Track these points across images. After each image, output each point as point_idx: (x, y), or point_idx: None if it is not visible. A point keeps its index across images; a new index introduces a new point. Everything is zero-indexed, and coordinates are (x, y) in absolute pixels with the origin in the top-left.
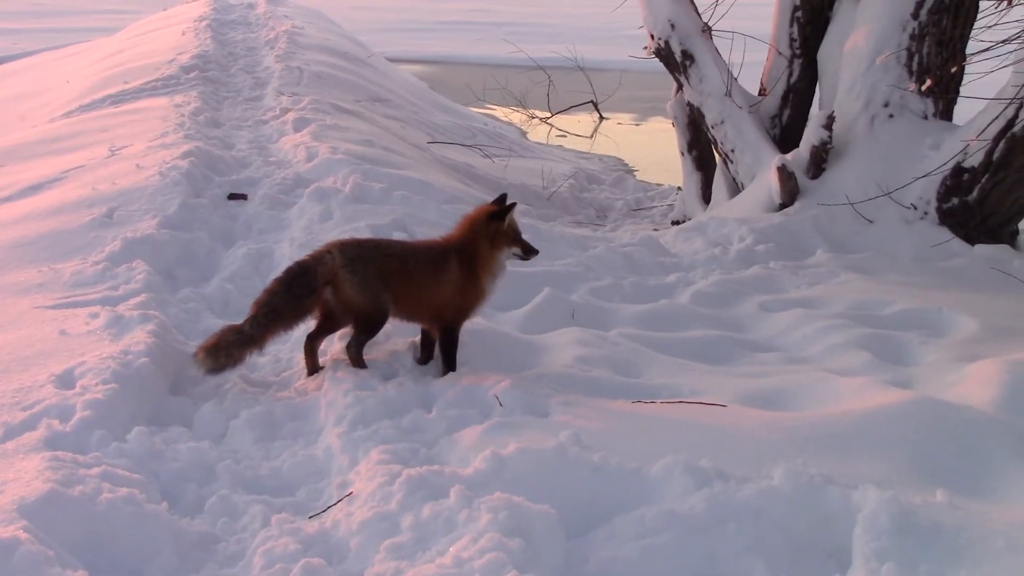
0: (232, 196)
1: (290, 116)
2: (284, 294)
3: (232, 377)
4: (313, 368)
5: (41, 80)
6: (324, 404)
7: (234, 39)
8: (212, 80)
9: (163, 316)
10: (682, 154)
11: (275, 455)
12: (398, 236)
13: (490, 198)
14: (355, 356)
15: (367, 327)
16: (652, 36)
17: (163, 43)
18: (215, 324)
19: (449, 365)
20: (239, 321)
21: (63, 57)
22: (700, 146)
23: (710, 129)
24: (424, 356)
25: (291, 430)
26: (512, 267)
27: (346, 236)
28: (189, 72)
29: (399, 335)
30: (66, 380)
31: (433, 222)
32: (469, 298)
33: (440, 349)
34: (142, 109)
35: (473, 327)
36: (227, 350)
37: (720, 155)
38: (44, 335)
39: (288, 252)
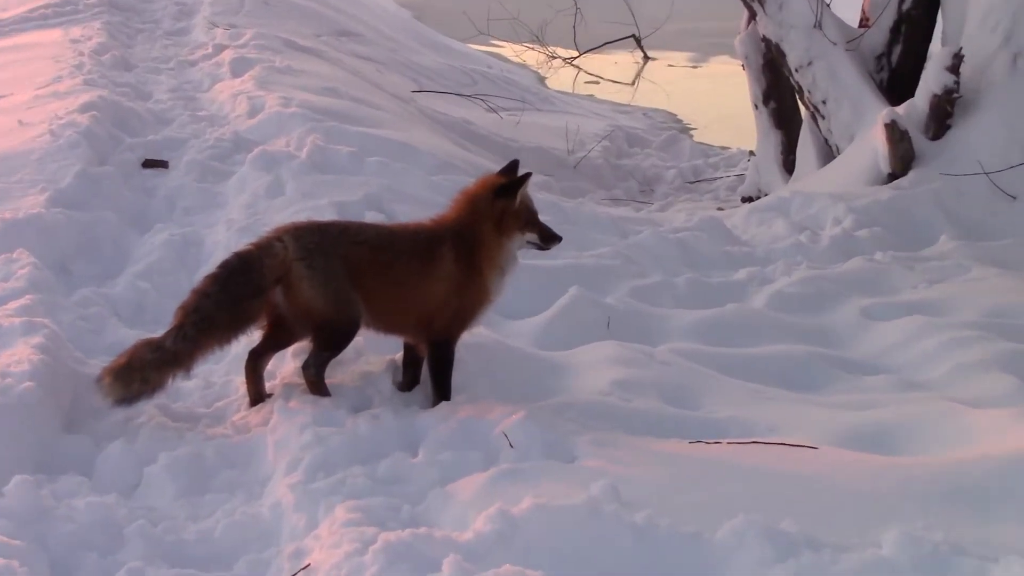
0: (148, 163)
1: (227, 56)
2: (219, 296)
3: (148, 408)
4: (257, 396)
5: None
6: (272, 444)
7: None
8: (121, 7)
9: (54, 325)
10: (755, 107)
11: (205, 514)
12: (372, 218)
13: (496, 166)
14: (314, 379)
15: (330, 340)
16: None
17: None
18: (126, 337)
19: (441, 391)
20: (158, 333)
21: None
22: (780, 96)
23: (793, 73)
24: (408, 380)
25: (227, 480)
26: (525, 259)
27: (302, 218)
28: None
29: (374, 351)
30: None
31: (419, 198)
32: (468, 300)
33: (429, 370)
34: (26, 46)
35: (474, 340)
36: (143, 372)
37: (807, 108)
38: None
39: (224, 239)
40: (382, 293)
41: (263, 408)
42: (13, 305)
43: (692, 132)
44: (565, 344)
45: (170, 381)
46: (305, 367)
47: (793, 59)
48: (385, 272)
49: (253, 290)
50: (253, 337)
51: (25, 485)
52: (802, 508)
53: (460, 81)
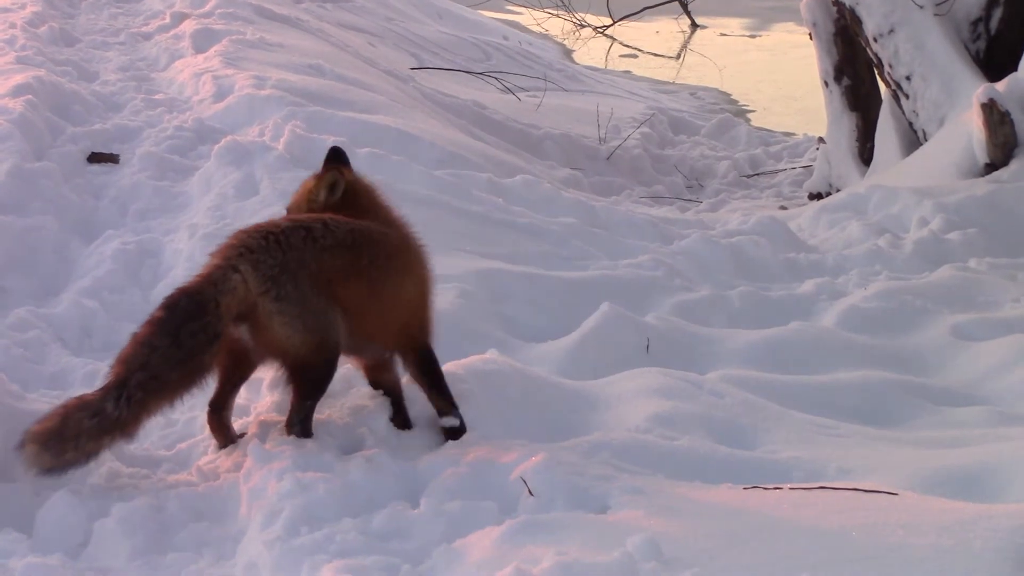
0: (95, 158)
1: (188, 27)
2: (169, 351)
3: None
4: (226, 440)
5: None
6: (246, 493)
7: None
8: None
9: None
10: (825, 84)
11: None
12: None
13: (514, 157)
14: (301, 431)
15: (314, 383)
16: None
17: None
18: (70, 365)
19: (450, 399)
20: (96, 384)
21: None
22: (855, 71)
23: (871, 43)
24: (401, 417)
25: (193, 536)
26: (547, 270)
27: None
28: None
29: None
30: None
31: (421, 197)
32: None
33: (425, 383)
34: None
35: (486, 367)
36: (76, 440)
37: (888, 86)
38: None
39: (187, 248)
40: (363, 301)
41: (234, 451)
42: None
43: (749, 115)
44: (596, 372)
45: (109, 447)
46: (289, 425)
47: (871, 26)
48: (365, 276)
49: (209, 338)
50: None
51: None
52: (880, 567)
53: (469, 56)
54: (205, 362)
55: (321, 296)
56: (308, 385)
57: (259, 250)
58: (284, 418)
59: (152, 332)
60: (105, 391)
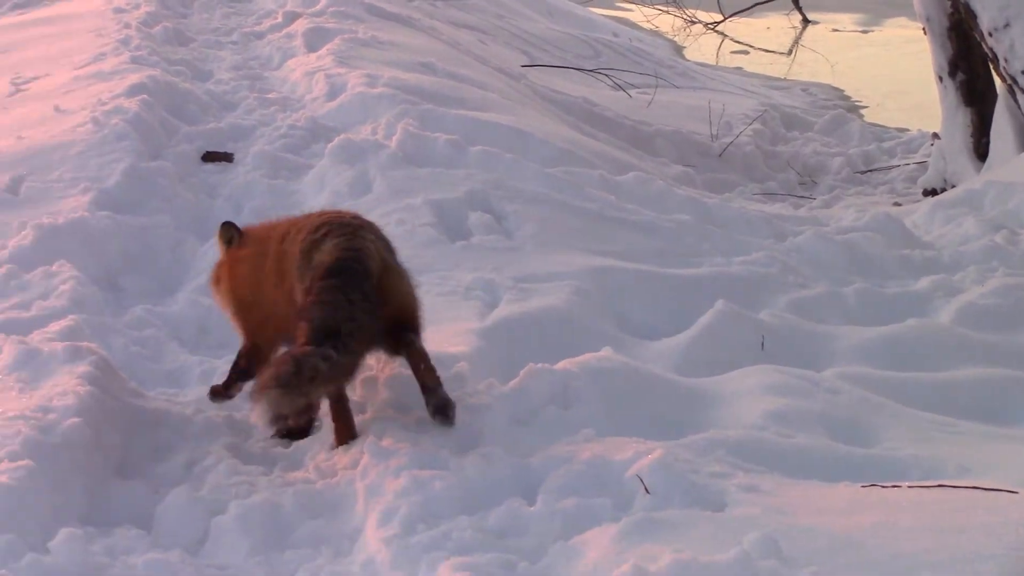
0: (209, 156)
1: (300, 26)
2: (363, 303)
3: (215, 448)
4: (348, 431)
5: None
6: (363, 491)
7: None
8: None
9: (103, 350)
10: (940, 80)
11: (286, 573)
12: (478, 219)
13: (625, 154)
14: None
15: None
16: None
17: None
18: (186, 362)
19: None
20: (224, 358)
21: None
22: (970, 66)
23: (986, 38)
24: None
25: (310, 533)
26: (662, 268)
27: (392, 220)
28: None
29: (479, 377)
30: None
31: (533, 195)
32: None
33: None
34: (63, 17)
35: (601, 366)
36: (311, 383)
37: (1003, 80)
38: None
39: None
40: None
41: (351, 448)
42: (54, 327)
43: (862, 111)
44: (710, 369)
45: (325, 396)
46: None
47: (986, 20)
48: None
49: (375, 296)
50: None
51: (74, 540)
52: (997, 566)
53: (580, 53)
54: (380, 317)
55: None
56: (422, 323)
57: (366, 227)
58: (400, 415)
59: (342, 290)
60: (318, 343)
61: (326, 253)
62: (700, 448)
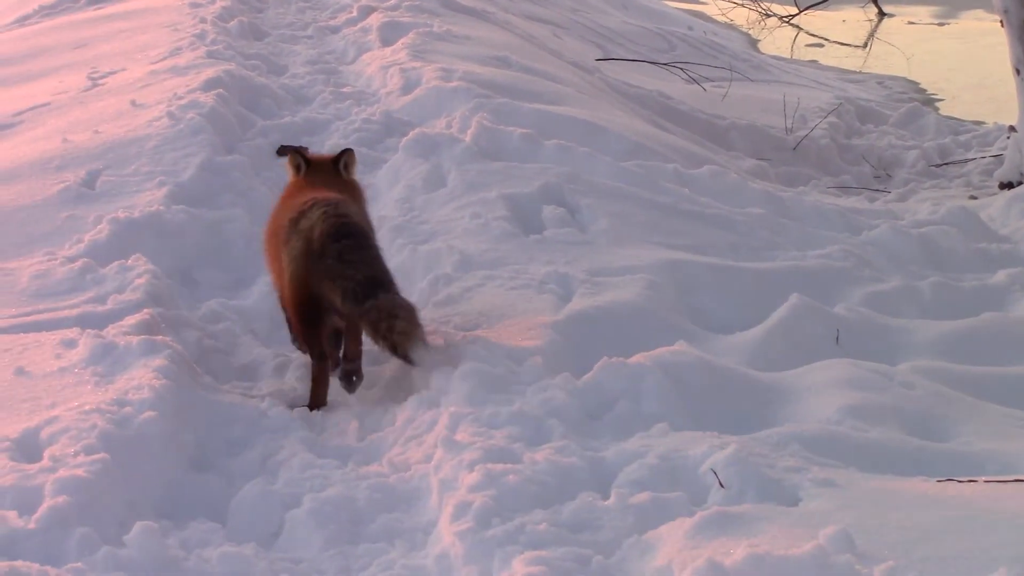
0: (285, 150)
1: (375, 20)
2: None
3: (288, 442)
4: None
5: None
6: (436, 485)
7: None
8: None
9: (178, 344)
10: (1017, 72)
11: (359, 567)
12: (551, 213)
13: (699, 148)
14: None
15: None
16: None
17: None
18: (260, 355)
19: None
20: (287, 375)
21: None
22: None
23: None
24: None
25: (384, 527)
26: (736, 261)
27: (466, 214)
28: None
29: (554, 369)
30: (27, 447)
31: (608, 189)
32: None
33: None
34: (139, 11)
35: (672, 358)
36: (412, 315)
37: None
38: None
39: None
40: None
41: (425, 442)
42: (130, 321)
43: (938, 104)
44: (785, 363)
45: None
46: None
47: None
48: None
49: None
50: None
51: (149, 533)
52: None
53: (654, 46)
54: None
55: None
56: None
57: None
58: (474, 410)
59: (364, 248)
60: (370, 296)
61: (317, 220)
62: (775, 442)
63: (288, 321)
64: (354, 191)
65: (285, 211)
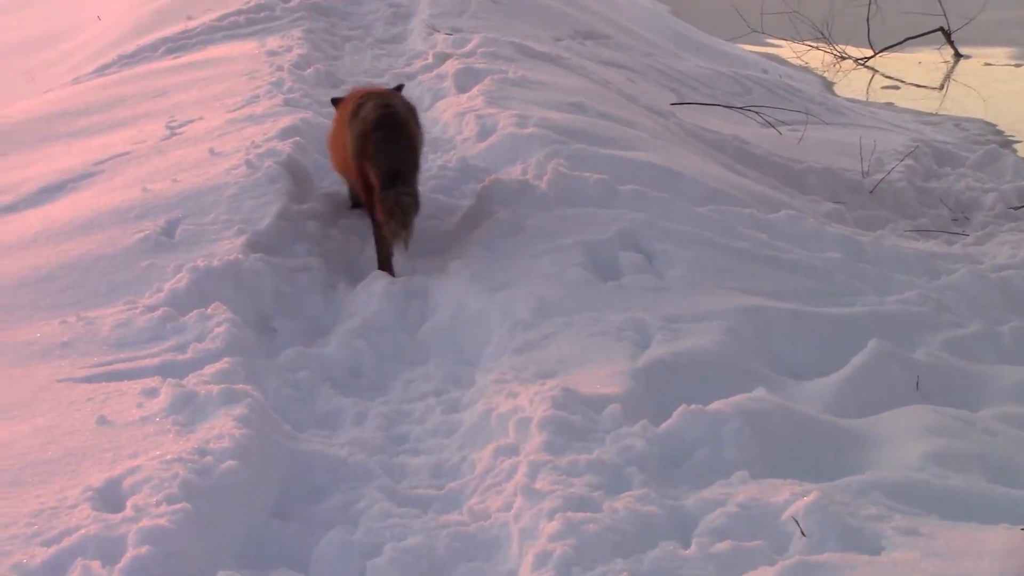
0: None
1: (450, 66)
2: (407, 145)
3: (368, 491)
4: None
5: (57, 17)
6: (517, 533)
7: None
8: (324, 10)
9: (258, 392)
10: None
11: None
12: (629, 257)
13: (776, 192)
14: None
15: None
16: None
17: None
18: (339, 404)
19: None
20: (365, 423)
21: None
22: None
23: None
24: None
25: (465, 575)
26: (815, 307)
27: (544, 261)
28: None
29: (632, 418)
30: (110, 497)
31: (685, 234)
32: None
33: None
34: (216, 60)
35: (754, 407)
36: (413, 215)
37: None
38: (74, 424)
39: (453, 287)
40: None
41: (504, 490)
42: (210, 370)
43: (1016, 146)
44: (864, 409)
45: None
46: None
47: None
48: None
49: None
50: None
51: None
52: None
53: (729, 90)
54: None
55: None
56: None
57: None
58: (553, 458)
59: (394, 140)
60: (391, 185)
61: (370, 110)
62: (856, 490)
63: (351, 189)
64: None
65: (348, 103)
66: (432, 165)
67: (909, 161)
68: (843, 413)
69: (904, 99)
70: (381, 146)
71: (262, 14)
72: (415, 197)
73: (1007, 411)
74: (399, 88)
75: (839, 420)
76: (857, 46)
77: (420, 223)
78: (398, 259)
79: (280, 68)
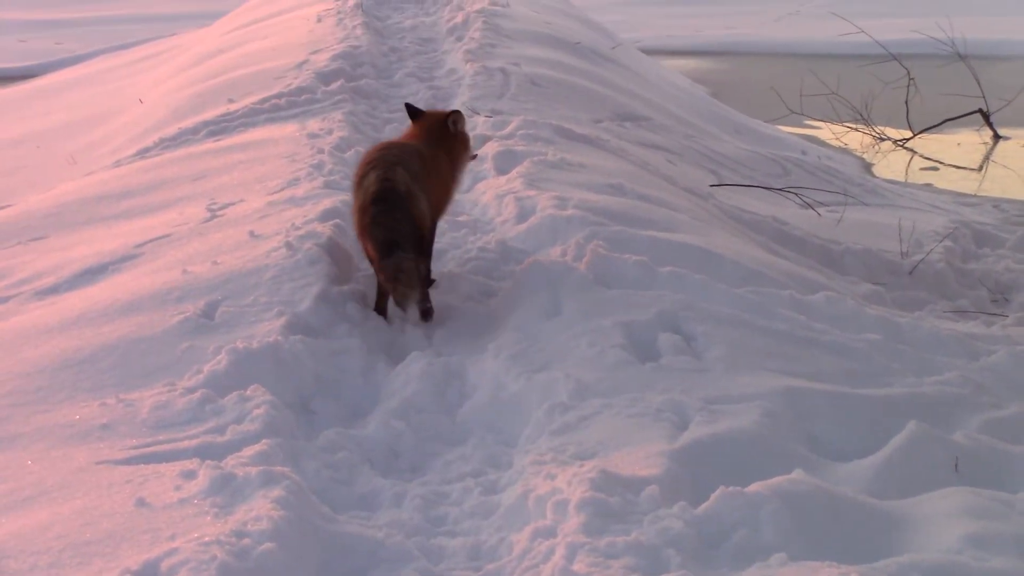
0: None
1: (490, 149)
2: (403, 218)
3: (407, 570)
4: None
5: (100, 100)
6: None
7: (399, 26)
8: (365, 93)
9: (296, 475)
10: None
11: None
12: (667, 340)
13: (815, 273)
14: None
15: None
16: None
17: (288, 37)
18: (378, 486)
19: None
20: (403, 505)
21: (132, 63)
22: None
23: None
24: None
25: None
26: (854, 388)
27: (583, 342)
28: (329, 82)
29: (672, 496)
30: None
31: (724, 316)
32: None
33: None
34: (257, 142)
35: (793, 489)
36: (415, 277)
37: None
38: (113, 506)
39: (492, 369)
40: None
41: (541, 572)
42: (248, 452)
43: None
44: (903, 491)
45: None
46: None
47: None
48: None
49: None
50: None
51: None
52: None
53: (768, 171)
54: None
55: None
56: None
57: (401, 162)
58: (591, 539)
59: (390, 213)
60: (388, 255)
61: (371, 183)
62: (894, 572)
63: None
64: (454, 144)
65: (363, 159)
66: (472, 247)
67: (948, 242)
68: (882, 495)
69: (943, 180)
70: (379, 219)
71: (303, 97)
72: (416, 261)
73: None
74: (452, 115)
75: (878, 502)
76: (896, 127)
77: (459, 304)
78: (439, 338)
79: (321, 151)
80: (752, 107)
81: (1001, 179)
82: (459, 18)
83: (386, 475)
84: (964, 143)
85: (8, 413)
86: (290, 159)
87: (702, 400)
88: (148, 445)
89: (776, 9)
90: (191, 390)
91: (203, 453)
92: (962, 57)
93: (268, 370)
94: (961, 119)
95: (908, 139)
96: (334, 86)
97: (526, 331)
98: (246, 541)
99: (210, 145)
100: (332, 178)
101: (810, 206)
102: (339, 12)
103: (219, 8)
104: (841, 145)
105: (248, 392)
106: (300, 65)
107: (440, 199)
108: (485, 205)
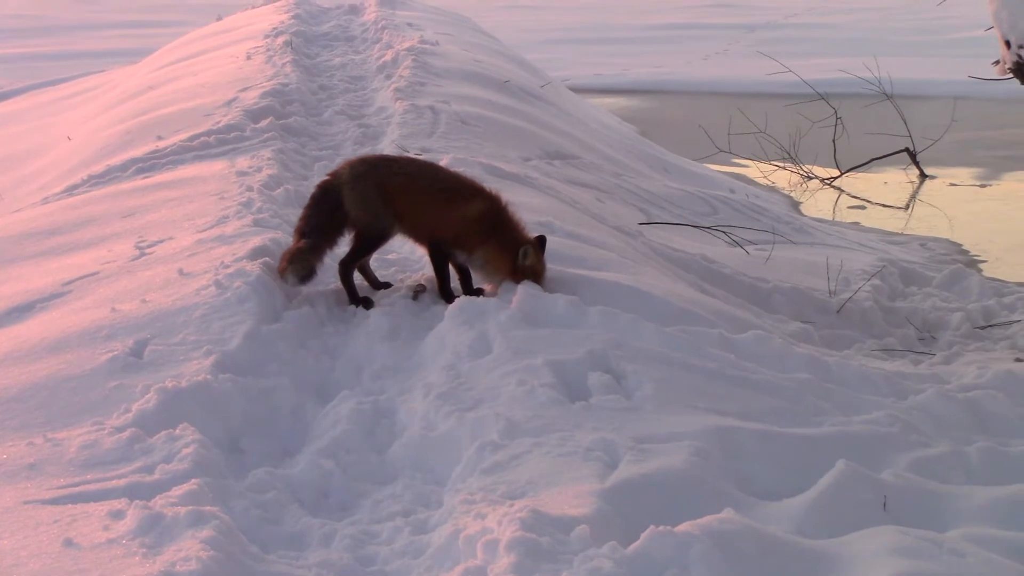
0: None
1: None
2: (317, 215)
3: None
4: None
5: (27, 137)
6: None
7: (328, 64)
8: (295, 131)
9: (225, 514)
10: None
11: None
12: (598, 377)
13: (744, 312)
14: (345, 274)
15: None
16: (1008, 44)
17: (217, 74)
18: (307, 525)
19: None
20: (333, 544)
21: (60, 99)
22: None
23: None
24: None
25: None
26: (783, 427)
27: (512, 381)
28: (259, 119)
29: (602, 535)
30: None
31: (653, 354)
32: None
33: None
34: (186, 180)
35: (722, 528)
36: (304, 256)
37: None
38: (40, 546)
39: (421, 408)
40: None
41: None
42: (177, 491)
43: (981, 266)
44: (832, 530)
45: (319, 265)
46: (342, 263)
47: None
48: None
49: (334, 206)
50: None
51: None
52: None
53: (697, 209)
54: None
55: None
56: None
57: (356, 161)
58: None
59: (306, 211)
60: (298, 242)
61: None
62: None
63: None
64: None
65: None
66: (402, 285)
67: (876, 281)
68: (811, 534)
69: (870, 219)
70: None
71: (232, 134)
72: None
73: (975, 532)
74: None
75: (807, 541)
76: (824, 166)
77: (387, 343)
78: (369, 377)
79: (250, 188)
80: (680, 145)
81: (928, 218)
82: (388, 56)
83: (315, 514)
84: (891, 182)
85: None
86: (219, 196)
87: (632, 439)
88: (76, 485)
89: (704, 48)
90: (120, 429)
91: (132, 493)
92: (888, 96)
93: (197, 409)
94: (888, 158)
95: (836, 177)
96: (263, 124)
97: (456, 370)
98: None
99: (139, 182)
100: (261, 216)
101: (738, 244)
102: (268, 50)
103: (148, 45)
104: (769, 183)
105: (177, 431)
106: (229, 103)
107: None
108: (413, 245)
